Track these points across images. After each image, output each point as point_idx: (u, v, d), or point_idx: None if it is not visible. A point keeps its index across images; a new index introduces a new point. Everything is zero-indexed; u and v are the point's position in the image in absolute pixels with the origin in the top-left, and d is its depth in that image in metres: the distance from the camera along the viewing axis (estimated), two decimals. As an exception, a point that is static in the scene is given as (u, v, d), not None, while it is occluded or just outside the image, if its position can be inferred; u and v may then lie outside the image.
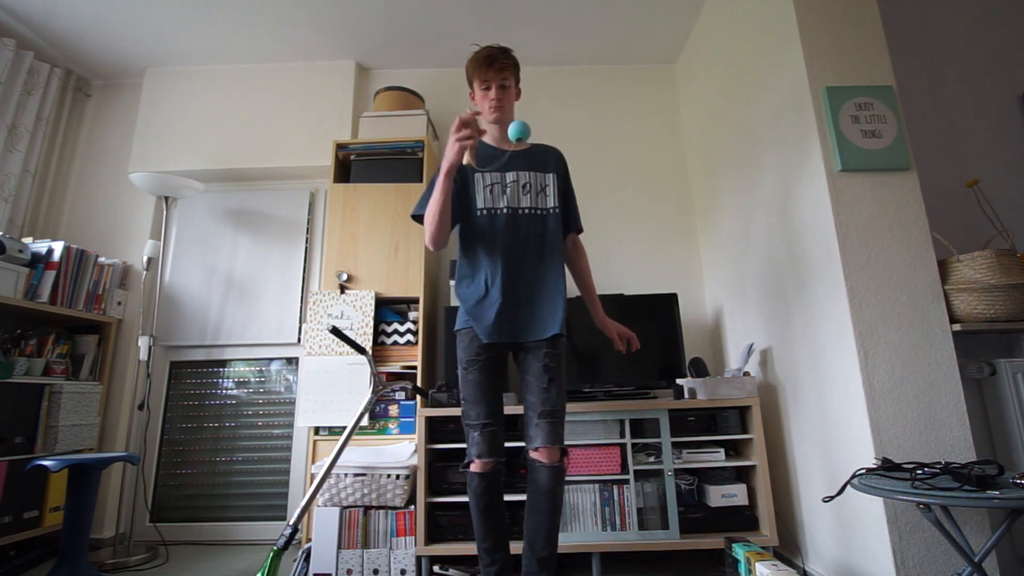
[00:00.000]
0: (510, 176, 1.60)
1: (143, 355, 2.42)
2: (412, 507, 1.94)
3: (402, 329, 2.32)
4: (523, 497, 1.89)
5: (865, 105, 1.69)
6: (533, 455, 1.48)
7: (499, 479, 1.50)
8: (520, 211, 1.58)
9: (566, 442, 1.61)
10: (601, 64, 3.03)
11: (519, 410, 1.87)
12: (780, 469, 2.01)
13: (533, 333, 1.53)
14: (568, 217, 1.70)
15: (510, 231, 1.56)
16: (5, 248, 2.10)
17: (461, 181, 1.60)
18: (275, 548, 1.42)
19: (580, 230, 1.75)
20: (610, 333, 1.76)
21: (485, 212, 1.58)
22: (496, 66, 1.55)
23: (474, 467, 1.48)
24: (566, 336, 1.60)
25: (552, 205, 1.62)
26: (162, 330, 2.68)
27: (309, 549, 1.90)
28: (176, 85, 2.92)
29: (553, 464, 1.45)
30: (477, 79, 1.58)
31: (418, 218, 1.63)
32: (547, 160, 1.67)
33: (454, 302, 2.41)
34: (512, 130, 1.40)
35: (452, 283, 2.44)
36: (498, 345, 1.54)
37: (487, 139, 1.65)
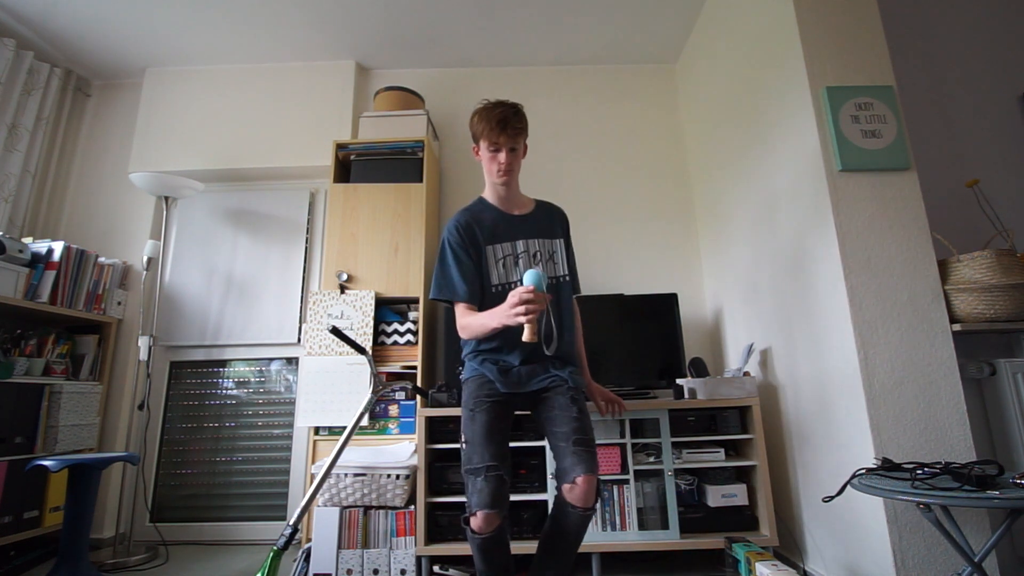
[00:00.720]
0: (520, 246, 1.56)
1: (143, 355, 2.42)
2: (412, 507, 1.94)
3: (402, 329, 2.32)
4: (524, 497, 1.89)
5: (865, 105, 1.69)
6: (568, 496, 1.33)
7: (504, 536, 1.38)
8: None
9: None
10: (601, 64, 3.03)
11: (521, 411, 1.87)
12: (780, 469, 2.01)
13: (552, 380, 1.50)
14: (571, 282, 1.65)
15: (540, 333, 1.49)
16: (5, 248, 2.10)
17: (476, 254, 1.54)
18: (275, 548, 1.42)
19: (578, 293, 1.70)
20: (594, 398, 1.72)
21: (500, 288, 1.53)
22: (509, 131, 1.47)
23: (475, 523, 1.30)
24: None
25: (563, 273, 1.60)
26: (162, 330, 2.68)
27: (309, 549, 1.90)
28: (176, 85, 2.92)
29: (588, 509, 1.33)
30: (486, 140, 1.50)
31: (445, 299, 1.56)
32: (553, 225, 1.64)
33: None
34: (528, 279, 1.30)
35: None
36: (514, 393, 1.49)
37: (491, 198, 1.61)
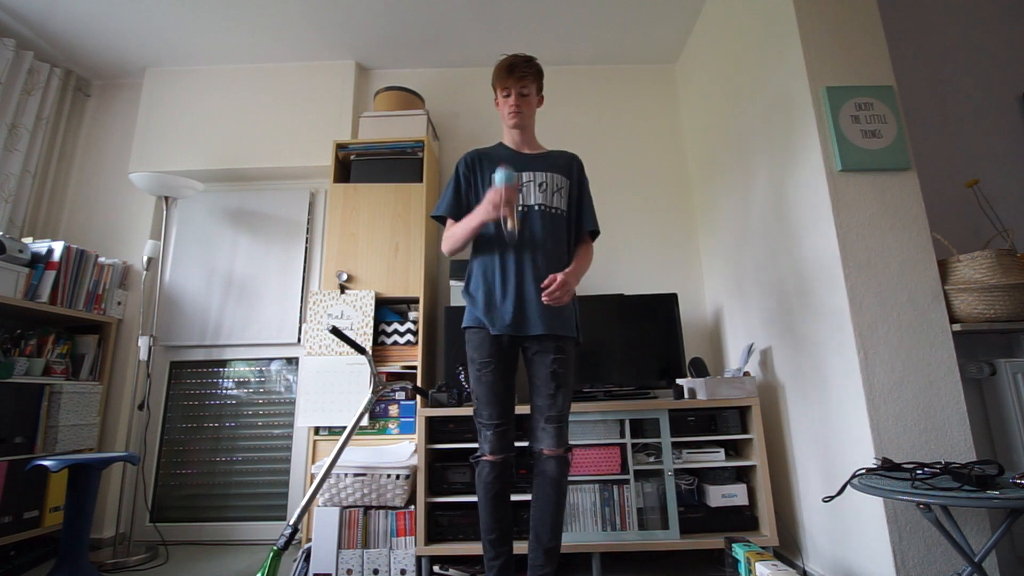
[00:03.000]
0: (526, 176, 1.64)
1: (143, 355, 2.42)
2: (412, 507, 1.94)
3: (402, 329, 2.32)
4: (526, 497, 1.89)
5: (865, 105, 1.69)
6: (538, 451, 1.54)
7: (510, 470, 1.55)
8: (534, 208, 1.61)
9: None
10: (601, 64, 3.03)
11: (525, 410, 1.88)
12: (780, 469, 2.01)
13: (539, 327, 1.53)
14: (582, 217, 1.71)
15: (527, 225, 1.59)
16: (5, 248, 2.10)
17: (480, 176, 1.67)
18: (275, 548, 1.42)
19: (596, 231, 1.72)
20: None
21: None
22: (516, 74, 1.61)
23: (485, 458, 1.53)
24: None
25: (565, 207, 1.66)
26: (162, 330, 2.68)
27: (309, 549, 1.90)
28: (176, 85, 2.92)
29: (559, 455, 1.52)
30: (499, 86, 1.65)
31: (439, 218, 1.71)
32: (564, 164, 1.71)
33: (454, 302, 2.42)
34: (497, 177, 1.47)
35: (452, 283, 2.45)
36: (509, 340, 1.56)
37: (507, 141, 1.73)
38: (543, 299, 1.50)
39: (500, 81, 1.63)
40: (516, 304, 1.54)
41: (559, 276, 1.49)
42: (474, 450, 1.58)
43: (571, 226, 1.69)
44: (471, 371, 1.58)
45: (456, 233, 1.61)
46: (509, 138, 1.72)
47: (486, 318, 1.55)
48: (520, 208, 1.59)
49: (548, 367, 1.54)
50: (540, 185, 1.63)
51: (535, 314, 1.54)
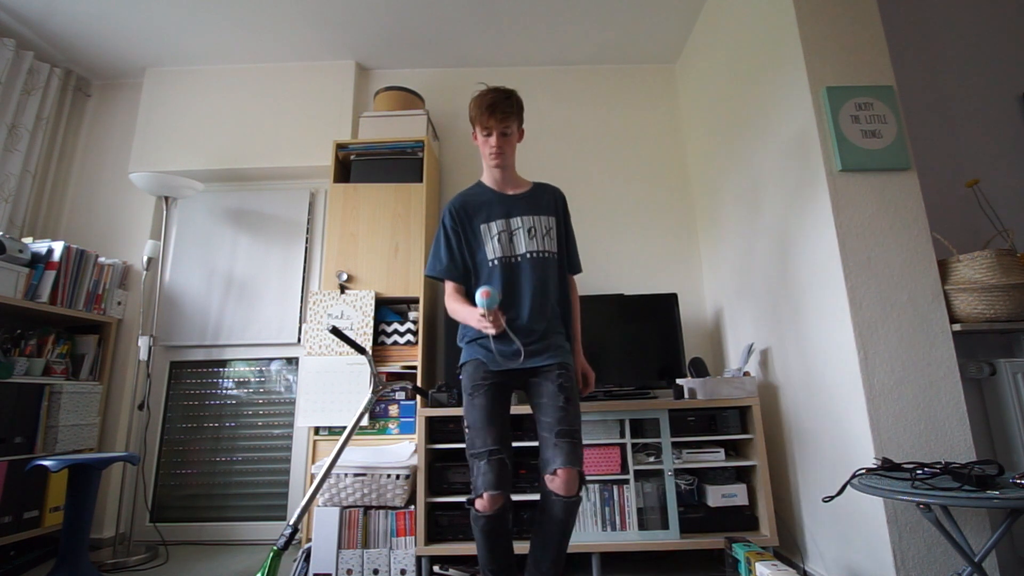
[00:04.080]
0: (515, 222, 1.61)
1: (143, 355, 2.42)
2: (412, 507, 1.94)
3: (402, 329, 2.32)
4: (524, 497, 1.89)
5: (865, 105, 1.69)
6: (550, 485, 1.39)
7: (506, 518, 1.43)
8: (528, 256, 1.59)
9: None
10: (601, 64, 3.03)
11: (525, 410, 1.88)
12: (780, 469, 2.01)
13: (541, 359, 1.53)
14: (569, 259, 1.71)
15: (519, 275, 1.57)
16: (5, 248, 2.10)
17: (471, 230, 1.62)
18: (275, 548, 1.42)
19: (577, 271, 1.76)
20: (578, 368, 1.72)
21: (496, 262, 1.59)
22: (497, 115, 1.53)
23: (480, 505, 1.39)
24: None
25: (555, 249, 1.64)
26: (162, 330, 2.68)
27: (309, 549, 1.90)
28: (176, 85, 2.92)
29: (570, 498, 1.38)
30: (479, 125, 1.58)
31: (437, 277, 1.66)
32: (548, 202, 1.67)
33: (454, 302, 2.41)
34: (478, 302, 1.38)
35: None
36: (507, 372, 1.53)
37: (488, 181, 1.67)
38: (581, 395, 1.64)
39: (481, 121, 1.55)
40: (513, 353, 1.53)
41: (589, 376, 1.71)
42: None
43: (561, 267, 1.67)
44: (464, 402, 1.52)
45: (455, 315, 1.58)
46: (490, 177, 1.66)
47: (486, 357, 1.53)
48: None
49: (554, 382, 1.49)
50: (529, 231, 1.60)
51: (535, 355, 1.53)
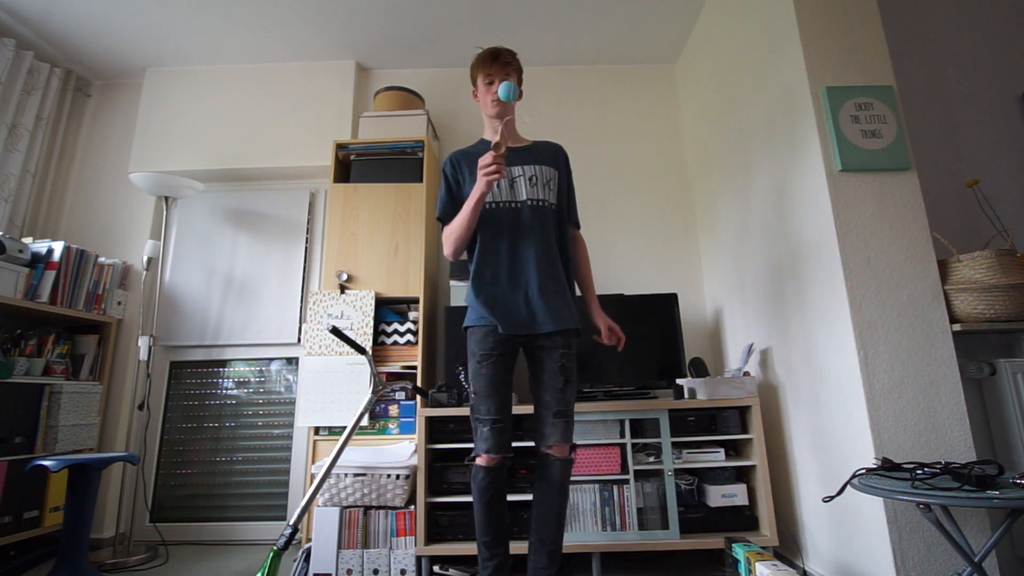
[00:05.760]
0: (516, 170, 1.62)
1: (143, 355, 2.42)
2: (412, 507, 1.94)
3: (402, 329, 2.32)
4: (524, 497, 1.89)
5: (865, 105, 1.69)
6: (546, 450, 1.53)
7: (504, 474, 1.52)
8: (528, 203, 1.60)
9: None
10: (601, 64, 3.03)
11: (525, 410, 1.88)
12: (780, 469, 2.01)
13: (549, 324, 1.52)
14: (571, 211, 1.74)
15: (519, 223, 1.59)
16: (5, 248, 2.10)
17: (471, 178, 1.61)
18: (275, 548, 1.42)
19: (577, 225, 1.78)
20: (601, 325, 1.74)
21: (494, 206, 1.60)
22: (501, 61, 1.59)
23: (480, 461, 1.50)
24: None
25: (555, 200, 1.66)
26: (162, 330, 2.68)
27: (309, 549, 1.90)
28: (176, 85, 2.92)
29: (565, 457, 1.52)
30: (481, 74, 1.62)
31: (443, 220, 1.67)
32: (551, 155, 1.70)
33: (454, 302, 2.42)
34: (502, 91, 1.45)
35: (452, 283, 2.45)
36: (514, 338, 1.54)
37: (489, 136, 1.68)
38: (618, 349, 1.70)
39: (483, 68, 1.60)
40: (524, 304, 1.54)
41: (616, 329, 1.71)
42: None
43: (561, 219, 1.67)
44: (471, 365, 1.55)
45: (455, 227, 1.57)
46: (491, 130, 1.66)
47: (494, 319, 1.52)
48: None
49: (557, 362, 1.53)
50: (530, 179, 1.62)
51: (543, 312, 1.53)
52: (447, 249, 1.61)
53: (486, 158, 1.42)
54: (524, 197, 1.60)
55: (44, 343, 2.32)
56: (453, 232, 1.58)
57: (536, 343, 1.56)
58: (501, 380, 1.53)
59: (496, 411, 1.50)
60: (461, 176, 1.65)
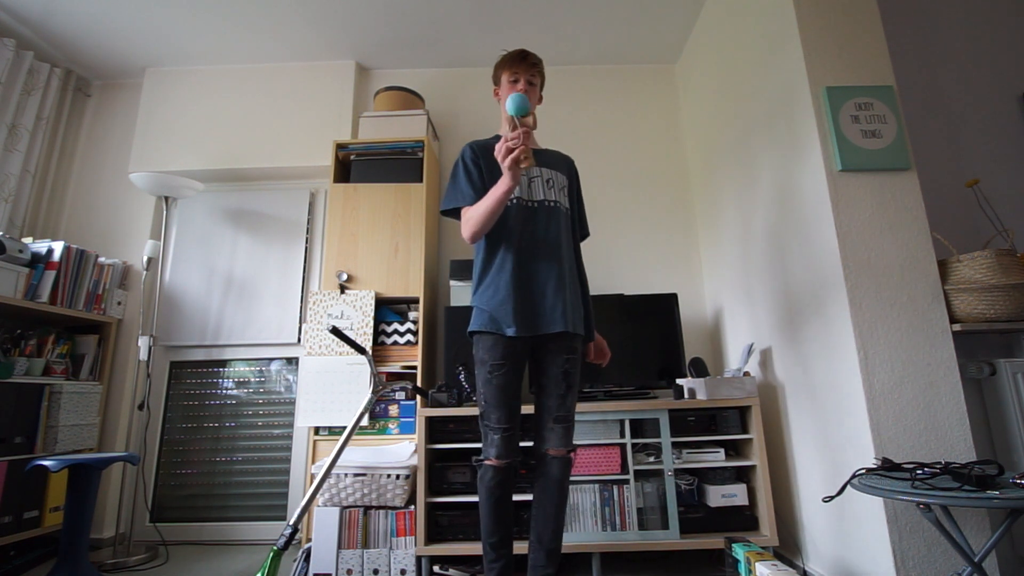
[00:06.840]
0: (534, 170, 1.62)
1: (143, 355, 2.42)
2: (412, 507, 1.94)
3: (402, 329, 2.32)
4: (525, 497, 1.89)
5: (865, 105, 1.69)
6: (544, 451, 1.53)
7: (513, 475, 1.52)
8: (545, 203, 1.60)
9: None
10: (601, 64, 3.03)
11: (526, 410, 1.88)
12: (780, 469, 2.01)
13: (559, 324, 1.51)
14: (582, 221, 1.77)
15: (535, 222, 1.57)
16: (5, 248, 2.10)
17: (489, 172, 1.58)
18: (275, 548, 1.42)
19: (587, 233, 1.81)
20: (596, 341, 1.75)
21: (511, 202, 1.56)
22: (529, 60, 1.61)
23: (490, 461, 1.50)
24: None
25: (568, 205, 1.68)
26: (162, 330, 2.68)
27: (309, 549, 1.90)
28: (176, 85, 2.92)
29: (564, 456, 1.52)
30: (507, 72, 1.62)
31: (448, 213, 1.63)
32: (562, 162, 1.72)
33: (454, 302, 2.42)
34: (512, 104, 1.42)
35: (452, 283, 2.45)
36: (522, 342, 1.52)
37: (505, 131, 1.65)
38: (602, 366, 1.72)
39: (510, 67, 1.61)
40: (532, 305, 1.52)
41: (604, 350, 1.75)
42: (475, 451, 1.57)
43: (573, 226, 1.70)
44: (480, 373, 1.53)
45: (479, 214, 1.49)
46: (509, 128, 1.62)
47: (503, 321, 1.49)
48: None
49: (560, 367, 1.53)
50: (547, 181, 1.63)
51: (552, 312, 1.51)
52: (470, 230, 1.53)
53: (512, 134, 1.37)
54: (541, 197, 1.60)
55: (44, 343, 2.32)
56: (477, 216, 1.50)
57: (542, 345, 1.55)
58: (512, 391, 1.51)
59: (507, 420, 1.49)
60: (484, 163, 1.60)
